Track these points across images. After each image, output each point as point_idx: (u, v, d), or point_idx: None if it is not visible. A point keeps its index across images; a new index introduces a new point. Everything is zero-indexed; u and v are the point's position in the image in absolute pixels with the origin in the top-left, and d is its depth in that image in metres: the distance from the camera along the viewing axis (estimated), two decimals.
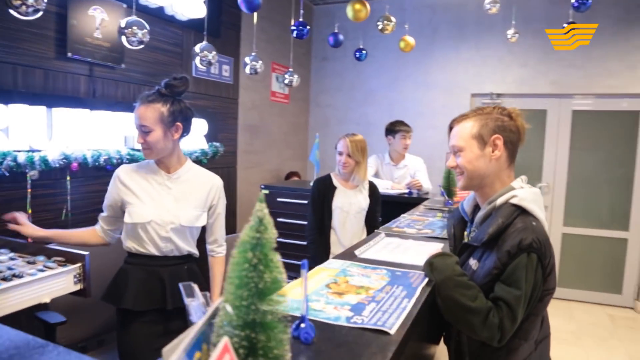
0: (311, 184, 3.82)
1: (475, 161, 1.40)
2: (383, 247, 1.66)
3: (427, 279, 1.31)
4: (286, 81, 3.79)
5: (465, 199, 1.59)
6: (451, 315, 1.28)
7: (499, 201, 1.36)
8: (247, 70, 3.27)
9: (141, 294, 1.80)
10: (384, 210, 3.29)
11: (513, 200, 1.33)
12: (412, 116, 4.88)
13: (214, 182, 1.98)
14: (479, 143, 1.40)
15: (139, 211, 1.80)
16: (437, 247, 1.43)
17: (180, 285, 1.06)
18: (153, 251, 1.83)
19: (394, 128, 3.89)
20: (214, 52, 2.82)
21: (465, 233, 1.54)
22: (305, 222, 3.61)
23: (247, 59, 3.26)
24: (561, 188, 4.75)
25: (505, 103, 4.85)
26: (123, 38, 2.26)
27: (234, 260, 0.72)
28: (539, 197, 1.37)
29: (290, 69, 3.77)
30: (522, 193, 1.34)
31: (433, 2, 4.96)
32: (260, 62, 3.27)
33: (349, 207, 2.84)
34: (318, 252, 2.84)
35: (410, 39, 3.49)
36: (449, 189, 2.94)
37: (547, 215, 4.79)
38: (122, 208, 1.85)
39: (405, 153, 3.94)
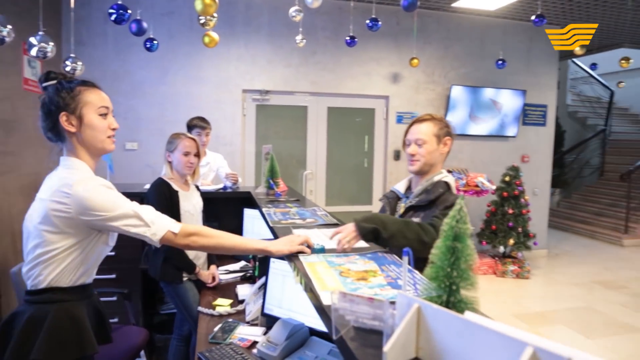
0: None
1: (432, 152, 1.85)
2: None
3: (386, 252, 1.54)
4: (68, 68, 3.22)
5: (393, 186, 2.05)
6: (405, 241, 1.50)
7: (436, 178, 1.86)
8: (34, 52, 2.69)
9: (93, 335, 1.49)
10: (214, 208, 3.26)
11: (445, 179, 1.84)
12: (186, 111, 4.83)
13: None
14: (437, 140, 1.86)
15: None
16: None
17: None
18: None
19: (189, 124, 3.79)
20: (52, 44, 2.27)
21: (403, 205, 1.93)
22: None
23: (33, 39, 2.67)
24: (322, 174, 5.55)
25: (273, 99, 5.31)
26: None
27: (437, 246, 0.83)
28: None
29: (72, 55, 3.22)
30: (449, 177, 1.87)
31: None
32: (52, 43, 2.73)
33: (194, 209, 2.70)
34: (179, 254, 2.59)
35: (215, 35, 3.47)
36: (275, 180, 3.13)
37: (313, 198, 5.54)
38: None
39: (206, 150, 3.90)
